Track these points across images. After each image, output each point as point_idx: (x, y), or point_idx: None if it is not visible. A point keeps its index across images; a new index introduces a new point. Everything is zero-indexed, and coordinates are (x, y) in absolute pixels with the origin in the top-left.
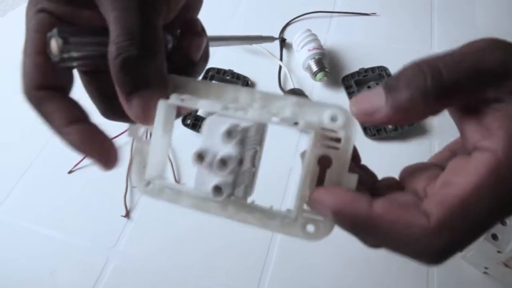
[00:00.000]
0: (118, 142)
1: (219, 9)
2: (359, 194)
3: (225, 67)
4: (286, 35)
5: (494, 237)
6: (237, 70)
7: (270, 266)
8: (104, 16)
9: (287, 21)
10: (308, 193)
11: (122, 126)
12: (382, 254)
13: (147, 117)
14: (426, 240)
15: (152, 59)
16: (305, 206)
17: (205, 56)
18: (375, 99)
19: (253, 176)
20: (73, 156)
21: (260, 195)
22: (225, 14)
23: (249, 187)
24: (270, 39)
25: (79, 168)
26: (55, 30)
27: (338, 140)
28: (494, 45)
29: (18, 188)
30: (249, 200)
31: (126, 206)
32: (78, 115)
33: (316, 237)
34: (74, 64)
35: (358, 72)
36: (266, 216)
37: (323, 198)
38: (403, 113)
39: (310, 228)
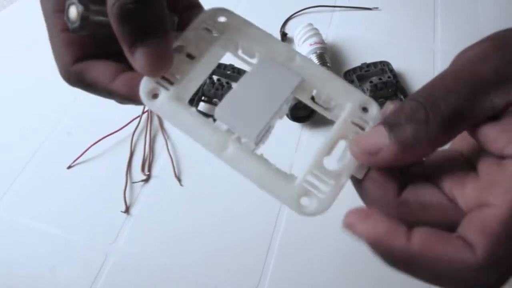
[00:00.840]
0: (119, 135)
1: (220, 3)
2: (395, 224)
3: (226, 61)
4: (288, 29)
5: None
6: (237, 65)
7: (270, 263)
8: None
9: (288, 15)
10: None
11: (121, 121)
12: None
13: (152, 67)
14: (475, 276)
15: (149, 4)
16: (312, 179)
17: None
18: (377, 137)
19: (269, 128)
20: (72, 151)
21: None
22: (227, 7)
23: (263, 136)
24: None
25: (78, 164)
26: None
27: (362, 128)
28: (486, 52)
29: (17, 184)
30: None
31: (125, 202)
32: (118, 70)
33: (306, 212)
34: (90, 30)
35: (360, 67)
36: (266, 172)
37: (356, 226)
38: (409, 150)
39: (304, 201)
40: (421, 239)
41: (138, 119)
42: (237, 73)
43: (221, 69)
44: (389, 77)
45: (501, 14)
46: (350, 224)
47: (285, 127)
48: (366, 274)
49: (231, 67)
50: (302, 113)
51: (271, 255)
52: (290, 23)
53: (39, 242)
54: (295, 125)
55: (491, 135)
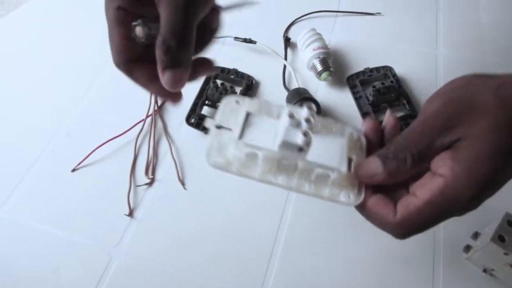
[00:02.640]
0: (124, 139)
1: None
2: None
3: (229, 66)
4: (291, 34)
5: (501, 238)
6: (241, 69)
7: (273, 267)
8: (160, 14)
9: (291, 21)
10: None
11: (126, 124)
12: (386, 255)
13: (171, 87)
14: (390, 228)
15: (184, 50)
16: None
17: (220, 24)
18: (374, 166)
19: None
20: (76, 154)
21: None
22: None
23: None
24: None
25: (82, 167)
26: (140, 21)
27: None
28: (438, 110)
29: (22, 187)
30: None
31: (129, 205)
32: (155, 73)
33: (350, 203)
34: (148, 40)
35: (363, 72)
36: (319, 183)
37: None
38: (393, 177)
39: (345, 196)
40: (372, 201)
41: (142, 123)
42: (240, 77)
43: (225, 73)
44: (391, 82)
45: (503, 19)
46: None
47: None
48: (370, 274)
49: (235, 71)
50: None
51: (274, 258)
52: (293, 28)
53: (43, 243)
54: None
55: (434, 161)
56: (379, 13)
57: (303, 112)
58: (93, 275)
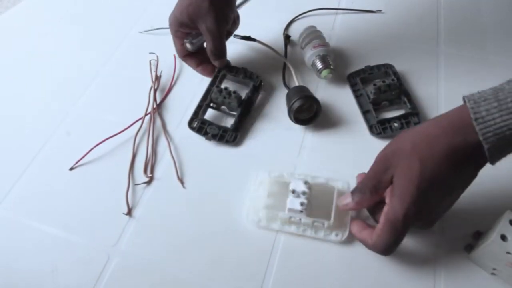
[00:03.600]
0: (122, 137)
1: None
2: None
3: (232, 64)
4: (291, 32)
5: (504, 238)
6: (240, 66)
7: (273, 266)
8: (203, 34)
9: (291, 18)
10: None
11: (124, 123)
12: (388, 256)
13: (219, 66)
14: (372, 249)
15: (221, 52)
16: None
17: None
18: (346, 198)
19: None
20: (74, 152)
21: None
22: None
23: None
24: None
25: (80, 165)
26: (188, 38)
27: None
28: (384, 154)
29: (19, 185)
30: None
31: (128, 204)
32: (200, 61)
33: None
34: (195, 49)
35: (364, 70)
36: (315, 229)
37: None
38: (359, 205)
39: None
40: (354, 228)
41: (140, 121)
42: (249, 78)
43: (233, 72)
44: (392, 79)
45: (504, 17)
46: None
47: (289, 129)
48: (373, 276)
49: (243, 70)
50: (305, 116)
51: (274, 256)
52: (293, 25)
53: (40, 242)
54: (298, 127)
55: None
56: (380, 10)
57: (302, 187)
58: (91, 274)
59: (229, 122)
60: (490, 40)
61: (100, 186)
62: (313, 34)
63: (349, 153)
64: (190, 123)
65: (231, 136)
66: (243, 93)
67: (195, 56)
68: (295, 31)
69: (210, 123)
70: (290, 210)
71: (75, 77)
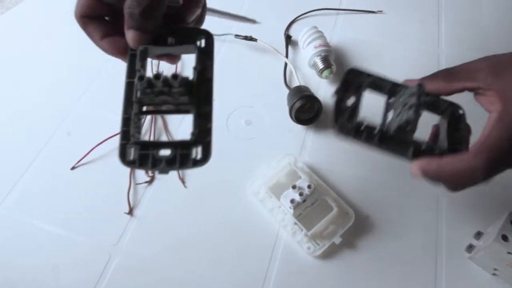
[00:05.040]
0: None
1: (224, 6)
2: (431, 158)
3: (231, 63)
4: (292, 32)
5: (505, 238)
6: (242, 66)
7: (275, 265)
8: None
9: (293, 18)
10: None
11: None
12: (389, 257)
13: (132, 44)
14: (468, 165)
15: (146, 19)
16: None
17: (199, 20)
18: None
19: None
20: (76, 152)
21: None
22: (232, 10)
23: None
24: (252, 21)
25: (82, 165)
26: None
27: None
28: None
29: (21, 185)
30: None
31: (129, 203)
32: (108, 31)
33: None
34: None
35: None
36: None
37: (414, 169)
38: (432, 85)
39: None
40: (423, 162)
41: (142, 120)
42: (186, 40)
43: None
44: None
45: (505, 18)
46: (413, 171)
47: (290, 129)
48: (373, 276)
49: (172, 31)
50: (306, 116)
51: (276, 256)
52: (294, 25)
53: (42, 241)
54: (300, 127)
55: (484, 104)
56: (381, 11)
57: (304, 188)
58: (93, 273)
59: (185, 127)
60: (491, 41)
61: (102, 185)
62: (314, 34)
63: (350, 152)
64: (123, 157)
65: (198, 152)
66: (188, 70)
67: (103, 22)
68: (296, 31)
69: (155, 144)
70: (282, 200)
71: (76, 76)
